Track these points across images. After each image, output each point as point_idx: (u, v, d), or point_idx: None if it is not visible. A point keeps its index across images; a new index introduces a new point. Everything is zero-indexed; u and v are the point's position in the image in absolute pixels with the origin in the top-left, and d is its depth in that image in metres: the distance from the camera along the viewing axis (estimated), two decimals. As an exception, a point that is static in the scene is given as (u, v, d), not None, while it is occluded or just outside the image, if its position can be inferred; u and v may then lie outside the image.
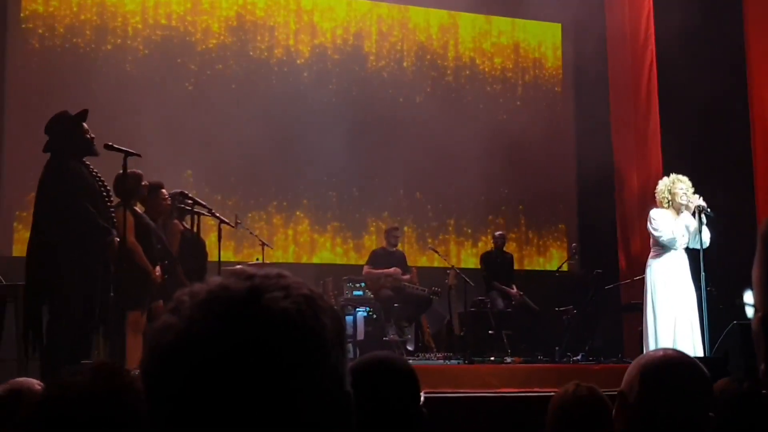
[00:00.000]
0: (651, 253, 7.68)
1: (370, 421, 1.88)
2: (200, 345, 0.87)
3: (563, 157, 11.95)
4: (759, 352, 1.89)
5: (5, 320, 6.14)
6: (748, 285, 1.99)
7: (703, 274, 7.15)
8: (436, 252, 10.23)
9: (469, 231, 11.65)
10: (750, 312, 7.09)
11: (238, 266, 8.65)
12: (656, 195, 7.65)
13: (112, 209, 5.87)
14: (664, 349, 2.14)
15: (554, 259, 11.90)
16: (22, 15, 10.16)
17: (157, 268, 6.63)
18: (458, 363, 8.19)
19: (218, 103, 10.40)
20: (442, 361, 8.60)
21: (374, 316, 9.56)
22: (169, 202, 7.26)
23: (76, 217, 5.50)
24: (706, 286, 7.19)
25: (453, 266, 9.80)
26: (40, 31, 10.16)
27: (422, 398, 2.19)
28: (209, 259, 7.72)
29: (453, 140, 10.98)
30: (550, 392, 4.23)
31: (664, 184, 7.60)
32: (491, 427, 5.57)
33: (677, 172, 7.63)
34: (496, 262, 10.35)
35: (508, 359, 8.72)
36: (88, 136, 5.75)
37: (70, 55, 10.16)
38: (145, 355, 0.91)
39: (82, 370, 1.64)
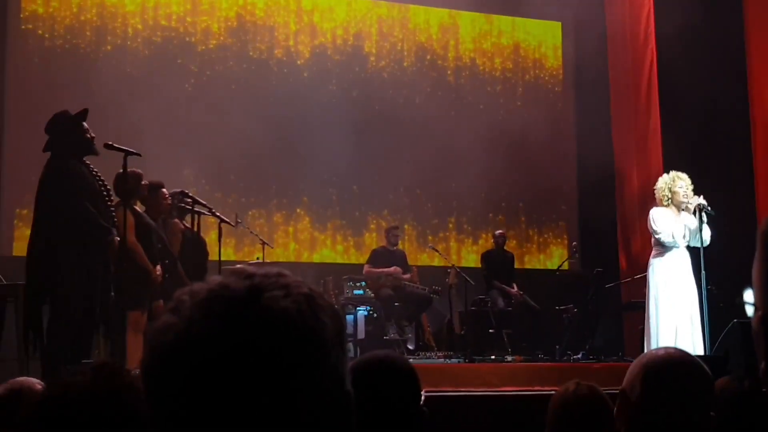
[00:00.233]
0: (653, 252, 7.68)
1: (370, 420, 1.88)
2: (200, 344, 0.87)
3: (564, 156, 11.94)
4: (759, 351, 1.88)
5: (5, 320, 6.14)
6: (748, 284, 1.99)
7: (703, 272, 7.15)
8: (436, 251, 10.23)
9: (470, 229, 11.65)
10: (750, 311, 7.10)
11: (239, 266, 8.66)
12: (656, 193, 7.64)
13: (113, 209, 5.87)
14: (666, 348, 2.14)
15: (554, 256, 11.91)
16: (22, 16, 10.15)
17: (158, 267, 6.63)
18: (459, 362, 8.20)
19: (218, 103, 10.40)
20: (442, 360, 8.61)
21: (375, 315, 9.56)
22: (169, 202, 7.25)
23: (76, 216, 5.50)
24: (707, 285, 7.20)
25: (453, 265, 9.80)
26: (39, 31, 10.16)
27: (423, 397, 2.19)
28: (209, 258, 7.72)
29: (453, 139, 10.98)
30: (550, 391, 4.23)
31: (663, 181, 7.60)
32: (492, 426, 5.57)
33: (677, 170, 7.63)
34: (497, 261, 10.34)
35: (509, 358, 8.73)
36: (89, 135, 5.75)
37: (70, 56, 10.16)
38: (145, 355, 0.91)
39: (82, 369, 1.64)
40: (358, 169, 10.72)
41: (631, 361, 2.10)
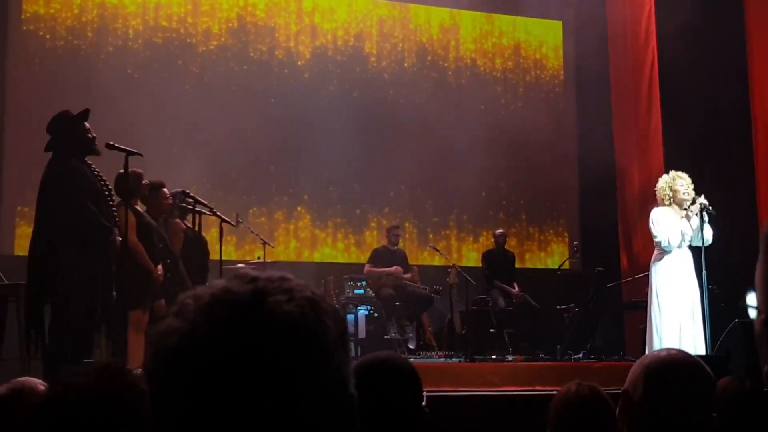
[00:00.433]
0: (655, 252, 7.68)
1: (372, 421, 1.88)
2: (204, 348, 0.87)
3: (565, 155, 11.95)
4: (762, 354, 1.89)
5: (7, 319, 6.14)
6: (750, 286, 1.99)
7: (704, 272, 7.16)
8: (437, 250, 10.23)
9: (471, 227, 11.66)
10: (753, 314, 7.11)
11: (240, 265, 8.68)
12: (657, 193, 7.65)
13: (114, 208, 5.87)
14: (668, 349, 2.14)
15: (555, 255, 11.92)
16: (23, 17, 10.16)
17: (159, 267, 6.63)
18: (459, 361, 8.20)
19: (219, 103, 10.39)
20: (443, 359, 8.61)
21: (375, 314, 9.56)
22: (170, 201, 7.25)
23: (78, 216, 5.50)
24: (708, 284, 7.20)
25: (454, 264, 9.80)
26: (41, 33, 10.17)
27: (425, 398, 2.19)
28: (210, 257, 7.72)
29: (454, 138, 10.98)
30: (551, 391, 4.23)
31: (664, 181, 7.61)
32: (493, 426, 5.57)
33: (679, 171, 7.63)
34: (497, 261, 10.35)
35: (510, 358, 8.73)
36: (90, 135, 5.76)
37: (71, 57, 10.17)
38: (149, 358, 0.91)
39: (84, 369, 1.64)
40: (358, 167, 10.72)
41: (632, 361, 2.11)
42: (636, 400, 1.99)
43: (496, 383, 6.90)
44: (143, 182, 6.83)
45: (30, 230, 5.87)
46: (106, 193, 5.81)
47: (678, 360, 2.02)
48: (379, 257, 9.94)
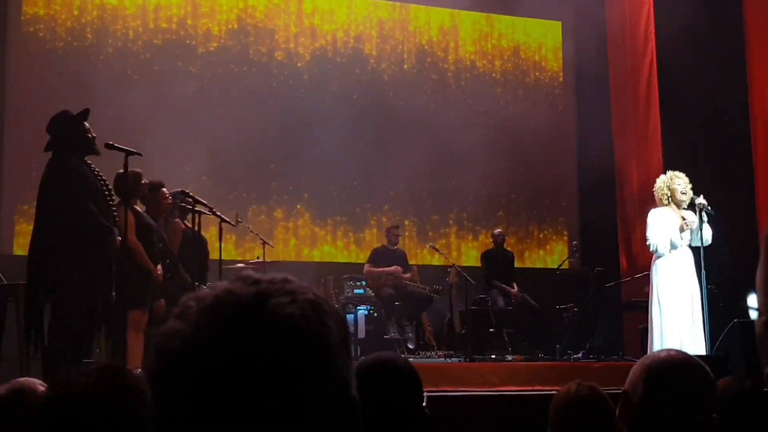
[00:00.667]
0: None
1: (373, 422, 1.88)
2: (206, 350, 0.87)
3: (564, 156, 11.96)
4: (763, 355, 1.89)
5: (6, 319, 6.14)
6: (750, 287, 1.99)
7: (703, 272, 7.16)
8: (437, 250, 10.23)
9: (470, 225, 11.67)
10: (754, 315, 7.10)
11: (239, 264, 8.68)
12: (655, 193, 7.65)
13: (114, 208, 5.87)
14: (668, 350, 2.14)
15: (555, 253, 11.94)
16: (23, 18, 10.16)
17: (159, 267, 6.63)
18: (459, 361, 8.20)
19: (219, 104, 10.40)
20: (443, 359, 8.62)
21: (375, 314, 9.57)
22: (170, 201, 7.25)
23: (77, 216, 5.50)
24: (707, 284, 7.20)
25: (454, 264, 9.80)
26: (41, 34, 10.17)
27: (425, 399, 2.19)
28: (210, 256, 7.72)
29: (454, 139, 10.99)
30: (551, 390, 4.23)
31: (662, 181, 7.62)
32: (492, 426, 5.57)
33: (678, 170, 7.64)
34: (497, 261, 10.35)
35: (509, 357, 8.74)
36: (90, 135, 5.75)
37: (71, 58, 10.17)
38: (151, 360, 0.92)
39: (84, 370, 1.64)
40: (358, 165, 10.72)
41: (632, 361, 2.11)
42: (636, 400, 1.99)
43: (496, 383, 6.90)
44: (143, 182, 6.83)
45: (29, 230, 5.86)
46: (106, 192, 5.81)
47: (678, 360, 2.02)
48: (378, 257, 9.95)
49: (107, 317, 5.72)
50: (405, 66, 11.69)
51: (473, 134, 10.89)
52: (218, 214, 7.37)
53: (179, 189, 7.37)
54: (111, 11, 10.48)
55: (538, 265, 11.86)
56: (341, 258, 11.08)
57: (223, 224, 7.52)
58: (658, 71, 10.36)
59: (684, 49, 10.00)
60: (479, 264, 10.50)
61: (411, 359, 6.37)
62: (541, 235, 12.04)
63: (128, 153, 5.77)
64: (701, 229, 7.28)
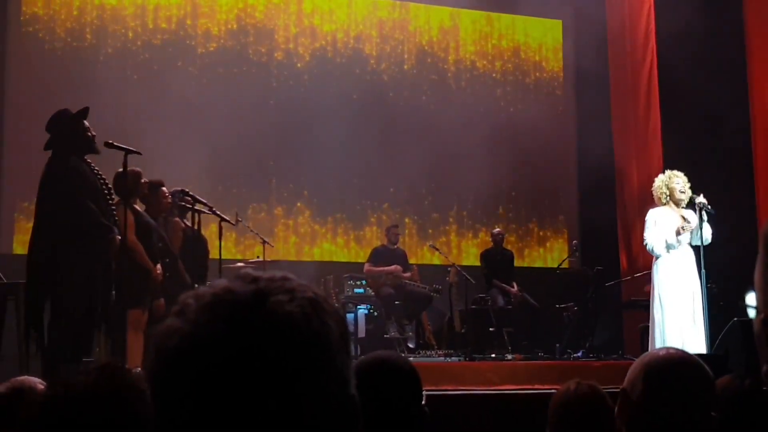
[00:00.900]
0: (657, 251, 7.69)
1: (372, 421, 1.88)
2: (206, 348, 0.87)
3: (564, 155, 11.97)
4: (762, 354, 1.89)
5: (6, 318, 6.14)
6: (750, 286, 1.99)
7: (703, 271, 7.16)
8: (437, 249, 10.23)
9: (471, 223, 11.68)
10: (752, 313, 7.12)
11: (240, 264, 8.68)
12: (654, 192, 7.66)
13: (114, 207, 5.86)
14: (667, 348, 2.14)
15: (554, 251, 11.94)
16: (22, 18, 10.17)
17: (158, 266, 6.63)
18: (459, 360, 8.21)
19: (219, 103, 10.39)
20: (442, 358, 8.62)
21: (375, 313, 9.57)
22: (169, 200, 7.25)
23: (77, 215, 5.49)
24: (707, 283, 7.21)
25: (454, 264, 9.81)
26: (40, 34, 10.17)
27: (424, 398, 2.19)
28: (210, 256, 7.72)
29: (454, 138, 11.00)
30: (550, 389, 4.23)
31: (660, 180, 7.62)
32: (492, 425, 5.57)
33: (678, 170, 7.64)
34: (496, 260, 10.35)
35: (509, 356, 8.74)
36: (89, 133, 5.75)
37: (70, 58, 10.17)
38: (151, 359, 0.92)
39: (83, 369, 1.64)
40: (358, 163, 10.73)
41: (632, 360, 2.11)
42: (635, 398, 1.99)
43: (496, 382, 6.90)
44: (142, 181, 6.82)
45: (29, 229, 5.86)
46: (106, 191, 5.80)
47: (677, 359, 2.02)
48: (378, 256, 9.95)
49: (107, 316, 5.72)
50: (405, 66, 11.69)
51: (473, 133, 10.90)
52: (218, 213, 7.37)
53: (179, 188, 7.37)
54: (110, 11, 10.48)
55: (538, 264, 11.87)
56: (341, 255, 11.09)
57: (223, 223, 7.52)
58: (658, 70, 10.36)
59: (684, 49, 10.00)
60: (479, 263, 10.50)
61: (411, 358, 6.37)
62: (541, 233, 12.04)
63: (128, 152, 5.77)
64: (701, 228, 7.28)
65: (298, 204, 10.96)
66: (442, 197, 11.49)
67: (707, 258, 7.18)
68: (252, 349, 0.86)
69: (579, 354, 8.87)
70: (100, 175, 5.79)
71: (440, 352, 9.15)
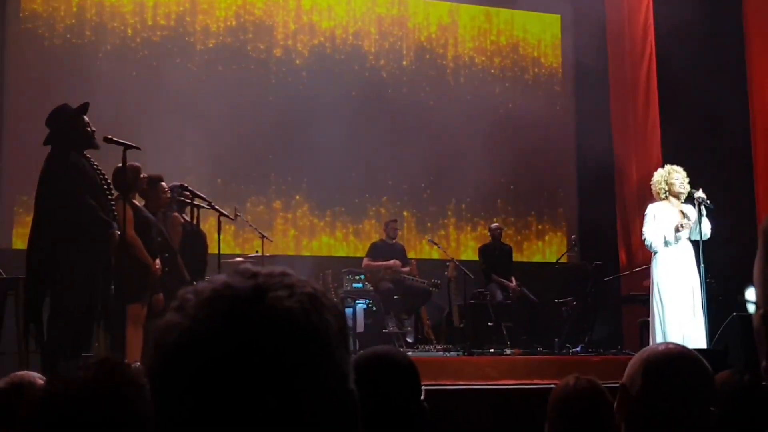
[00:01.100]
0: (657, 246, 7.70)
1: (371, 416, 1.88)
2: (205, 344, 0.87)
3: (563, 150, 11.97)
4: (761, 349, 1.89)
5: (6, 313, 6.14)
6: (749, 281, 1.99)
7: (702, 266, 7.17)
8: (436, 244, 10.24)
9: (469, 215, 11.68)
10: (752, 309, 7.12)
11: (239, 258, 8.68)
12: (653, 187, 7.66)
13: (113, 202, 5.86)
14: (666, 343, 2.15)
15: (553, 245, 11.95)
16: (21, 15, 10.16)
17: (157, 261, 6.63)
18: (458, 355, 8.21)
19: (218, 100, 10.38)
20: (441, 353, 8.62)
21: (374, 308, 9.57)
22: (168, 195, 7.25)
23: (77, 210, 5.49)
24: (706, 278, 7.21)
25: (452, 258, 9.81)
26: (39, 31, 10.16)
27: (423, 393, 2.19)
28: (209, 250, 7.72)
29: (453, 133, 11.00)
30: (549, 384, 4.23)
31: (659, 175, 7.63)
32: (491, 420, 5.57)
33: (677, 165, 7.65)
34: (494, 255, 10.35)
35: (508, 351, 8.75)
36: (89, 129, 5.74)
37: (70, 55, 10.16)
38: (150, 354, 0.92)
39: (83, 364, 1.64)
40: (357, 157, 10.73)
41: (631, 354, 2.11)
42: (634, 393, 1.99)
43: (495, 377, 6.91)
44: (141, 176, 6.82)
45: (29, 223, 5.86)
46: (105, 187, 5.80)
47: (676, 354, 2.02)
48: (377, 251, 9.96)
49: (106, 311, 5.72)
50: (404, 62, 11.69)
51: (472, 129, 10.89)
52: (217, 208, 7.37)
53: (178, 183, 7.37)
54: (109, 8, 10.48)
55: (537, 258, 11.87)
56: (340, 249, 11.11)
57: (222, 218, 7.52)
58: (657, 66, 10.35)
59: (683, 44, 10.00)
60: (477, 258, 10.50)
61: (409, 353, 6.38)
62: (539, 226, 12.05)
63: (127, 147, 5.76)
64: (700, 223, 7.29)
65: (297, 197, 10.97)
66: (441, 191, 11.49)
67: (706, 253, 7.19)
68: (251, 344, 0.86)
69: (578, 349, 8.88)
70: (100, 170, 5.79)
71: (439, 347, 9.16)
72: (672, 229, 7.34)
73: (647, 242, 7.48)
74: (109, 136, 5.70)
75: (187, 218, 7.32)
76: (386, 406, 2.05)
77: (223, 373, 0.85)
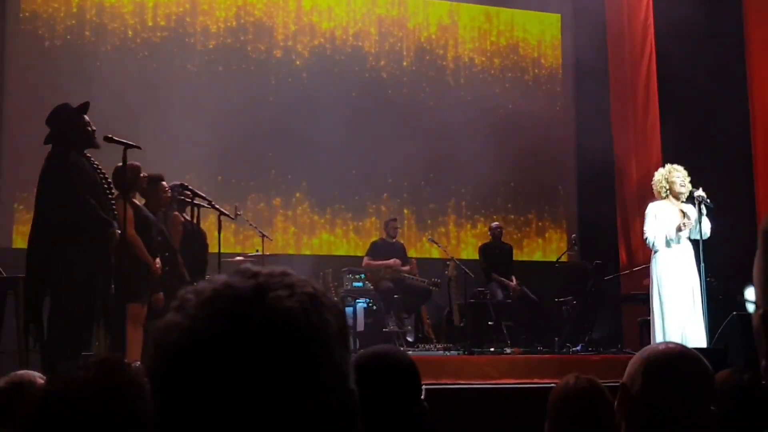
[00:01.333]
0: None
1: (371, 415, 1.88)
2: (205, 344, 0.87)
3: (563, 149, 11.97)
4: (761, 349, 1.89)
5: (5, 312, 6.14)
6: (748, 280, 1.99)
7: (702, 264, 7.17)
8: (436, 243, 10.24)
9: (469, 213, 11.69)
10: (751, 308, 7.13)
11: (239, 258, 8.68)
12: (653, 186, 7.67)
13: (113, 202, 5.86)
14: (667, 343, 2.15)
15: (553, 242, 11.96)
16: (21, 16, 10.16)
17: (157, 260, 6.63)
18: (458, 354, 8.21)
19: (218, 101, 10.37)
20: (441, 352, 8.63)
21: (374, 307, 9.56)
22: (169, 194, 7.25)
23: (77, 209, 5.49)
24: (706, 277, 7.22)
25: (453, 257, 9.81)
26: (39, 32, 10.16)
27: (424, 392, 2.19)
28: (209, 250, 7.72)
29: (453, 132, 10.98)
30: (549, 383, 4.23)
31: (660, 174, 7.64)
32: (491, 419, 5.58)
33: (677, 164, 7.65)
34: (495, 254, 10.35)
35: (508, 350, 8.74)
36: (89, 128, 5.74)
37: (70, 56, 10.16)
38: (150, 354, 0.92)
39: (83, 363, 1.64)
40: (357, 155, 10.72)
41: (631, 354, 2.12)
42: (634, 393, 2.00)
43: (495, 376, 6.91)
44: (141, 175, 6.82)
45: (28, 223, 5.86)
46: (105, 186, 5.80)
47: (676, 353, 2.02)
48: (377, 250, 9.96)
49: (106, 311, 5.72)
50: (404, 63, 11.69)
51: (472, 129, 10.88)
52: (217, 207, 7.37)
53: (178, 182, 7.38)
54: (109, 9, 10.48)
55: (537, 256, 11.87)
56: (340, 246, 11.12)
57: (223, 217, 7.52)
58: (657, 64, 10.35)
59: (683, 43, 9.99)
60: (477, 257, 10.50)
61: (410, 352, 6.38)
62: (539, 224, 12.06)
63: (127, 146, 5.76)
64: (700, 222, 7.30)
65: (297, 194, 10.97)
66: (441, 188, 11.50)
67: (706, 252, 7.19)
68: (251, 344, 0.86)
69: (578, 348, 8.88)
70: (100, 169, 5.79)
71: (439, 346, 9.16)
72: (674, 228, 7.34)
73: (649, 241, 7.48)
74: (110, 136, 5.70)
75: (188, 217, 7.33)
76: (386, 406, 2.05)
77: (224, 373, 0.86)
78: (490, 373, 6.97)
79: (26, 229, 6.00)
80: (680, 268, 7.38)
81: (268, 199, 10.86)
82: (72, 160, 5.58)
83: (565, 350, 8.81)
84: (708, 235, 7.33)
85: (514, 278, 10.25)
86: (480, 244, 10.78)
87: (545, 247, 11.98)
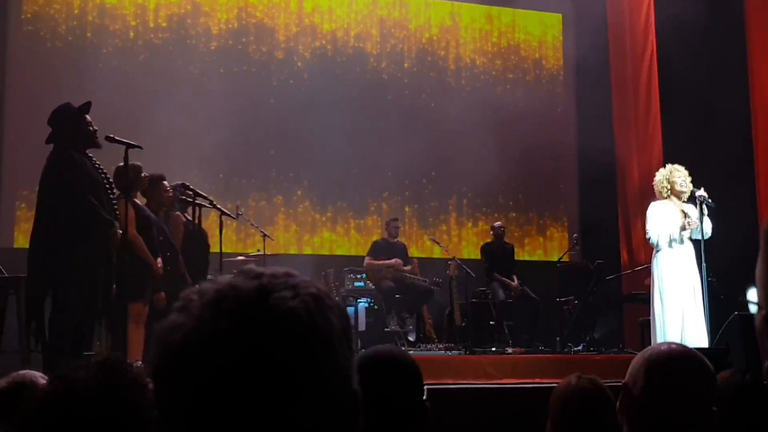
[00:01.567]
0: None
1: (373, 415, 1.88)
2: (209, 345, 0.87)
3: (564, 149, 11.97)
4: (763, 350, 1.90)
5: (7, 312, 6.14)
6: (750, 281, 1.99)
7: (704, 264, 7.17)
8: (437, 243, 10.24)
9: (471, 211, 11.69)
10: (753, 309, 7.13)
11: (241, 258, 8.68)
12: (655, 186, 7.67)
13: (114, 201, 5.86)
14: (668, 343, 2.15)
15: (555, 240, 11.96)
16: (23, 17, 10.17)
17: (159, 259, 6.64)
18: (459, 354, 8.21)
19: (219, 102, 10.38)
20: (443, 351, 8.62)
21: (375, 307, 9.58)
22: (170, 194, 7.26)
23: (79, 208, 5.49)
24: (708, 277, 7.22)
25: (454, 257, 9.81)
26: (41, 33, 10.18)
27: (425, 392, 2.19)
28: (211, 249, 7.72)
29: (454, 134, 10.99)
30: (551, 383, 4.23)
31: (661, 174, 7.64)
32: (492, 419, 5.58)
33: (678, 164, 7.65)
34: (497, 254, 10.34)
35: (509, 350, 8.74)
36: (91, 128, 5.75)
37: (71, 57, 10.17)
38: (153, 354, 0.92)
39: (84, 363, 1.64)
40: (358, 154, 10.72)
41: (632, 353, 2.12)
42: (636, 393, 2.00)
43: (496, 376, 6.90)
44: (143, 175, 6.82)
45: (30, 223, 5.86)
46: (107, 185, 5.80)
47: (678, 353, 2.02)
48: (378, 250, 9.96)
49: (108, 310, 5.72)
50: (405, 65, 11.69)
51: (474, 129, 10.88)
52: (218, 207, 7.38)
53: (180, 182, 7.38)
54: (111, 10, 10.49)
55: (539, 255, 11.88)
56: (342, 244, 11.13)
57: (224, 216, 7.53)
58: (658, 64, 10.35)
59: (684, 42, 9.99)
60: (479, 257, 10.50)
61: (411, 352, 6.38)
62: (541, 222, 12.06)
63: (129, 146, 5.76)
64: (701, 222, 7.29)
65: (299, 193, 10.98)
66: (443, 187, 11.51)
67: (707, 252, 7.19)
68: (255, 344, 0.86)
69: (579, 347, 8.88)
70: (102, 169, 5.79)
71: (440, 346, 9.15)
72: (678, 228, 7.34)
73: (652, 240, 7.48)
74: (111, 136, 5.70)
75: (189, 217, 7.33)
76: (388, 406, 2.05)
77: (227, 374, 0.86)
78: (491, 373, 6.97)
79: (28, 228, 6.00)
80: (681, 267, 7.38)
81: (269, 197, 10.87)
82: (74, 159, 5.58)
83: (566, 350, 8.82)
84: (709, 235, 7.32)
85: (515, 278, 10.24)
86: (481, 243, 10.77)
87: (546, 245, 11.98)
